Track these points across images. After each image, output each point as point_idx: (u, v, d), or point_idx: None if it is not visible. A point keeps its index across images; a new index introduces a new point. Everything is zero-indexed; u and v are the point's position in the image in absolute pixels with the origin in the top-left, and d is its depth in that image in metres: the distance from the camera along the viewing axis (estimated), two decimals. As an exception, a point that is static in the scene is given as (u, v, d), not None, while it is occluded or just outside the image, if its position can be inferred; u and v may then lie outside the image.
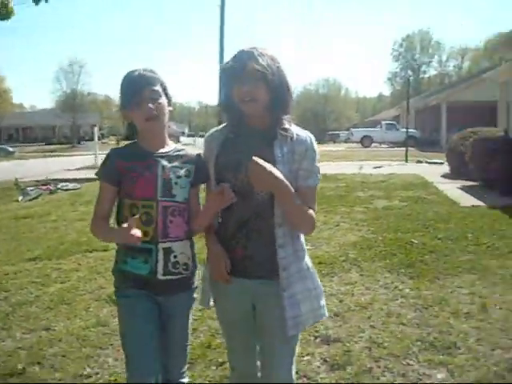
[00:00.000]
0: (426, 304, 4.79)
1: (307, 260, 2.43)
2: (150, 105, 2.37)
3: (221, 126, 2.52)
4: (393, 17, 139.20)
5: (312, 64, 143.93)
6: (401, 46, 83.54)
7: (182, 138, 47.35)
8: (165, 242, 2.42)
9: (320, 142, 50.39)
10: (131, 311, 2.43)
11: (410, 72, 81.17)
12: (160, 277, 2.42)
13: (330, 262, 6.12)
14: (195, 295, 2.60)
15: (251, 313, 2.45)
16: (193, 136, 58.56)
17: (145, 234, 2.33)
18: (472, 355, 3.75)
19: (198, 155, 2.53)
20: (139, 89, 2.38)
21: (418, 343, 3.96)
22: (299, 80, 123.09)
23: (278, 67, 2.28)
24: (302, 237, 2.42)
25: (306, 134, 2.36)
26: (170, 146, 2.53)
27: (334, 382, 3.44)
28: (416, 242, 7.06)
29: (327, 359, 3.72)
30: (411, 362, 3.68)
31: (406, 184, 13.43)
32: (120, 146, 2.61)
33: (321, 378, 3.48)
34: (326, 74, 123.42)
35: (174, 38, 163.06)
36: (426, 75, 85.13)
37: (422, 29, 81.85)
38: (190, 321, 2.62)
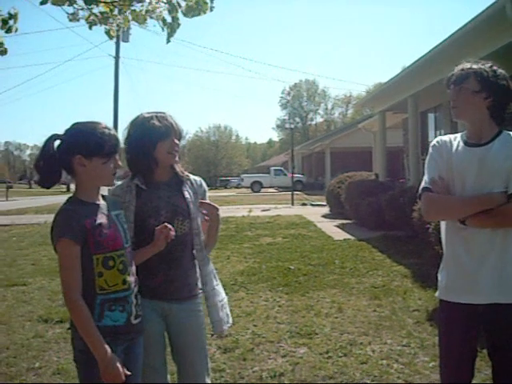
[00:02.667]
0: (296, 309, 6.18)
1: (217, 278, 3.07)
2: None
3: (120, 182, 2.91)
4: (280, 66, 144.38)
5: (203, 111, 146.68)
6: (288, 94, 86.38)
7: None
8: (136, 286, 2.57)
9: (212, 188, 51.99)
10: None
11: (297, 119, 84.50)
12: (133, 321, 2.51)
13: (222, 286, 7.37)
14: None
15: (164, 333, 2.91)
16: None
17: (124, 282, 2.48)
18: (326, 338, 5.16)
19: (121, 202, 2.81)
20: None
21: (288, 333, 5.33)
22: (191, 127, 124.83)
23: None
24: None
25: (199, 179, 3.06)
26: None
27: (225, 359, 4.70)
28: (293, 268, 8.53)
29: (221, 346, 4.99)
30: (282, 344, 5.04)
31: (290, 224, 15.06)
32: None
33: (216, 357, 4.74)
34: (217, 120, 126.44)
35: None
36: (313, 122, 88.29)
37: (309, 79, 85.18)
38: None
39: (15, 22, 5.13)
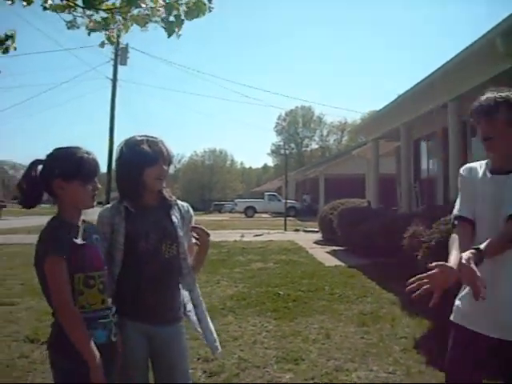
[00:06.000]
0: (284, 335, 6.17)
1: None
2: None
3: (109, 204, 3.00)
4: (276, 92, 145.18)
5: (199, 135, 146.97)
6: (284, 120, 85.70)
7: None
8: (113, 306, 2.65)
9: (206, 212, 51.93)
10: None
11: (292, 145, 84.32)
12: (113, 338, 2.58)
13: (211, 310, 7.28)
14: None
15: (147, 355, 2.90)
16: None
17: (103, 302, 2.56)
18: (312, 364, 5.15)
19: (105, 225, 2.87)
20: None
21: (275, 358, 5.32)
22: (186, 150, 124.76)
23: None
24: None
25: (186, 204, 3.11)
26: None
27: (211, 382, 4.70)
28: (282, 293, 8.52)
29: (206, 370, 4.97)
30: (268, 370, 5.03)
31: (281, 249, 15.06)
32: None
33: (201, 381, 4.73)
34: (213, 144, 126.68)
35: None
36: (308, 148, 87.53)
37: (305, 105, 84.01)
38: None
39: (13, 42, 5.20)
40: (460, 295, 2.78)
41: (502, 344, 2.54)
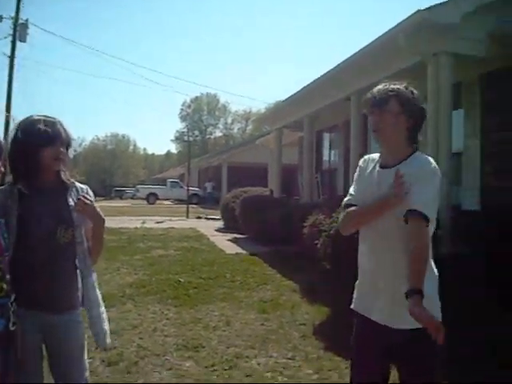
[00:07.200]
0: (184, 322, 6.14)
1: (97, 290, 2.97)
2: None
3: (2, 187, 2.78)
4: (182, 78, 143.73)
5: (99, 118, 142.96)
6: (189, 106, 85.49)
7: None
8: (12, 294, 2.55)
9: (106, 197, 50.79)
10: None
11: (196, 132, 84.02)
12: (11, 327, 2.51)
13: (110, 298, 7.15)
14: None
15: (42, 344, 2.80)
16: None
17: (1, 289, 2.47)
18: (212, 351, 5.16)
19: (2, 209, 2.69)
20: None
21: (175, 346, 5.28)
22: (87, 134, 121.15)
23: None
24: None
25: (85, 186, 2.97)
26: None
27: (109, 372, 4.59)
28: (182, 280, 8.48)
29: (104, 360, 4.84)
30: (168, 357, 4.98)
31: (183, 237, 14.98)
32: None
33: (99, 370, 4.61)
34: (115, 128, 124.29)
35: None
36: (213, 136, 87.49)
37: (210, 92, 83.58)
38: None
39: None
40: (357, 282, 2.81)
41: (395, 331, 2.54)
